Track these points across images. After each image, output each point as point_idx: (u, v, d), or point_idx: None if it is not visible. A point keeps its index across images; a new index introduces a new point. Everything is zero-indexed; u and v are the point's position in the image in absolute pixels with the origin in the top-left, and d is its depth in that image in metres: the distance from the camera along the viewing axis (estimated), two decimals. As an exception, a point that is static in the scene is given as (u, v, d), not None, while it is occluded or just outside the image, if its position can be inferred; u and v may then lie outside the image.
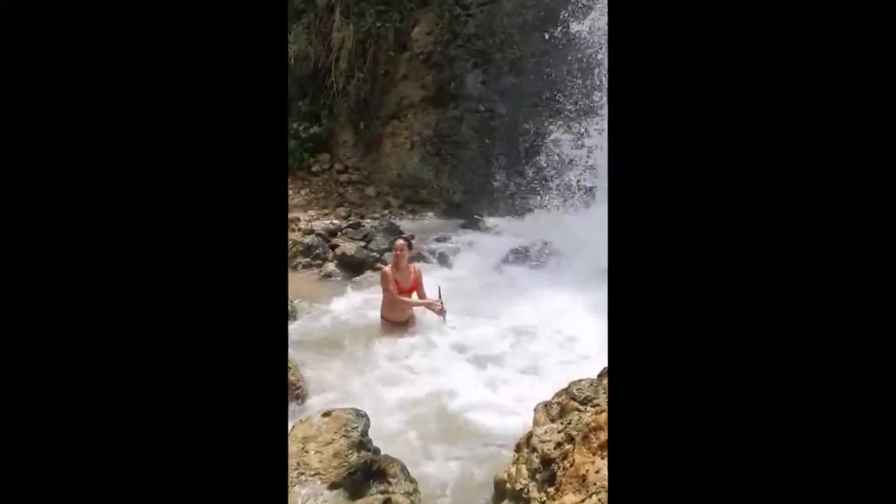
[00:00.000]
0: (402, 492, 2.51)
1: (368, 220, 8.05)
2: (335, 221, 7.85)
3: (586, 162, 7.14)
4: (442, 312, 4.60)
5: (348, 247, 6.66)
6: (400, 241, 4.95)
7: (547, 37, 7.99)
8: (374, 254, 6.69)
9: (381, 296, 4.72)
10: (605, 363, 2.57)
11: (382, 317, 4.68)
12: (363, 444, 2.64)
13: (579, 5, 7.53)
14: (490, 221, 7.93)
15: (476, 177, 9.10)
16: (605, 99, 7.02)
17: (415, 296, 4.68)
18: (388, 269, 4.74)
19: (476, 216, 8.17)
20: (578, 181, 7.15)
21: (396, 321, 4.62)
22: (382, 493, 2.47)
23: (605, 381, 2.43)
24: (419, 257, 6.31)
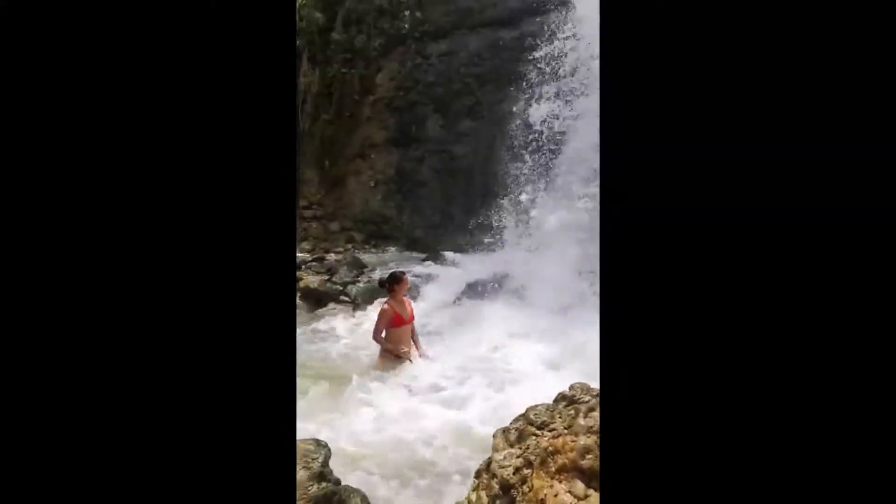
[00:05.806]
0: (362, 523, 2.37)
1: (332, 254, 7.92)
2: (300, 255, 7.70)
3: (535, 201, 7.26)
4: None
5: (312, 280, 6.52)
6: (406, 275, 4.79)
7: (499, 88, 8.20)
8: (338, 286, 6.57)
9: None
10: (553, 389, 2.53)
11: (388, 350, 4.43)
12: (323, 475, 2.51)
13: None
14: (448, 256, 7.91)
15: (435, 213, 9.12)
16: (547, 147, 7.15)
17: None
18: (386, 305, 4.55)
19: (438, 249, 8.16)
20: (529, 219, 7.25)
21: (399, 354, 4.48)
22: (342, 524, 2.33)
23: (561, 406, 2.39)
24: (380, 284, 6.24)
